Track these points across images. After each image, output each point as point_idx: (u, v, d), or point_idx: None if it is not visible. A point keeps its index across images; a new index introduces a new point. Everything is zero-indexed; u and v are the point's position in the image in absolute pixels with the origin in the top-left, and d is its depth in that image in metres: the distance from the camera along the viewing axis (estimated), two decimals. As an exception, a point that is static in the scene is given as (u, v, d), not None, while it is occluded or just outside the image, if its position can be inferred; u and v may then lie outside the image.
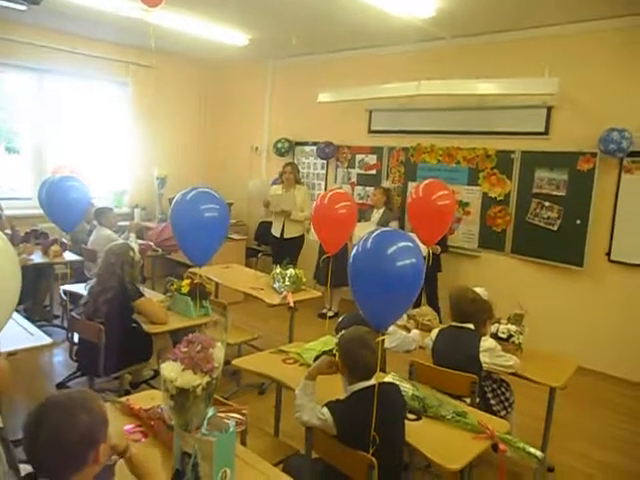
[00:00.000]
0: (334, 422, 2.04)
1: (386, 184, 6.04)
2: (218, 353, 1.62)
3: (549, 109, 4.97)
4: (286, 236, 5.91)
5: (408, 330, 3.26)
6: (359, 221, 5.23)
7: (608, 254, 4.72)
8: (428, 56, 5.67)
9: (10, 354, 1.90)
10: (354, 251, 2.05)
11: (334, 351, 2.68)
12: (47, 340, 2.91)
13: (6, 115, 6.64)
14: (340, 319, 3.12)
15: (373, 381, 2.08)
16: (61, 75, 6.64)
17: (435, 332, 3.03)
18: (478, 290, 3.14)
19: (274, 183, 6.68)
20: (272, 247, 6.22)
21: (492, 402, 2.98)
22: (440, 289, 5.18)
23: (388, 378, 2.52)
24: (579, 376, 3.11)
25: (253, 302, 4.36)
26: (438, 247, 4.98)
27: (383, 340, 2.05)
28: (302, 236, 6.00)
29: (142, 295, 3.36)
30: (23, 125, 6.58)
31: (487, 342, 2.87)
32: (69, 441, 1.31)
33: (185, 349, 1.58)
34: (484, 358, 2.81)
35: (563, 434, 3.50)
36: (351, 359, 2.10)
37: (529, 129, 5.11)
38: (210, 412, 1.67)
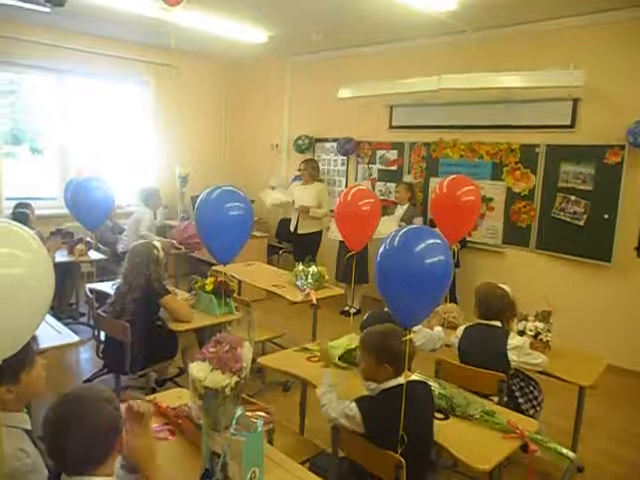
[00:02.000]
0: (362, 418, 2.01)
1: (408, 179, 5.97)
2: (246, 352, 1.62)
3: (575, 101, 4.86)
4: (300, 231, 5.93)
5: (431, 327, 3.22)
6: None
7: (638, 249, 4.60)
8: (450, 50, 5.59)
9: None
10: (382, 248, 2.02)
11: (358, 350, 2.66)
12: (74, 338, 2.95)
13: (29, 116, 6.74)
14: (365, 317, 3.09)
15: (402, 379, 2.05)
16: (82, 76, 6.70)
17: (461, 330, 2.99)
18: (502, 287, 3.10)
19: (295, 180, 6.69)
20: (292, 243, 6.25)
21: (520, 401, 2.93)
22: (462, 286, 5.11)
23: (413, 377, 2.49)
24: (607, 374, 3.04)
25: (275, 300, 4.37)
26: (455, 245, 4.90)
27: (411, 338, 2.02)
28: (319, 232, 6.00)
29: (168, 292, 3.38)
30: (46, 126, 6.67)
31: (515, 340, 2.82)
32: (99, 430, 1.35)
33: (213, 349, 1.58)
34: (512, 356, 2.77)
35: (591, 433, 3.44)
36: (383, 352, 2.05)
37: (554, 122, 5.00)
38: (238, 411, 1.67)
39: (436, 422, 2.18)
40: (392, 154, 6.32)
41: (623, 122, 4.46)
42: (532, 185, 5.18)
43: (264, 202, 6.12)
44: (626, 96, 4.57)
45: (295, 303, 3.97)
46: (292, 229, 6.03)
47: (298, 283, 4.15)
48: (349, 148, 6.61)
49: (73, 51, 6.28)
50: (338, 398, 2.18)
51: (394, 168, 6.31)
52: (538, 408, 2.95)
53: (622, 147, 4.55)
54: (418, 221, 5.45)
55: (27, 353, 1.73)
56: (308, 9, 4.95)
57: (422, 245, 1.89)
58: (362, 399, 2.08)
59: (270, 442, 2.08)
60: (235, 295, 3.85)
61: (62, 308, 5.11)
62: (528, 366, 2.84)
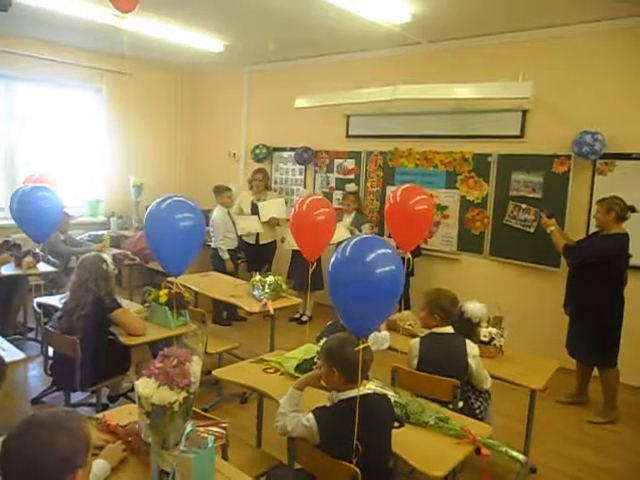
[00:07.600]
0: (318, 429, 2.00)
1: (352, 188, 6.04)
2: (195, 367, 1.58)
3: (524, 112, 5.03)
4: (262, 242, 5.97)
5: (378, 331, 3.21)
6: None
7: (584, 255, 4.76)
8: (405, 61, 5.70)
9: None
10: (333, 258, 2.02)
11: (315, 359, 2.65)
12: (20, 355, 2.82)
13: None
14: (322, 330, 3.08)
15: (362, 390, 2.04)
16: (32, 82, 6.51)
17: (417, 342, 2.93)
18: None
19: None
20: (247, 254, 6.20)
21: (472, 401, 2.96)
22: (417, 293, 5.14)
23: (370, 385, 2.49)
24: (558, 375, 3.13)
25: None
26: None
27: (365, 347, 2.01)
28: (275, 241, 6.11)
29: (120, 306, 3.28)
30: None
31: (470, 347, 2.85)
32: (46, 463, 1.26)
33: (160, 364, 1.54)
34: (471, 362, 2.80)
35: (543, 434, 3.53)
36: (339, 360, 2.04)
37: (505, 132, 5.16)
38: (188, 428, 1.63)
39: (392, 430, 2.18)
40: (349, 163, 6.38)
41: (569, 133, 4.64)
42: (485, 193, 5.31)
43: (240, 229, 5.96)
44: (572, 108, 4.76)
45: (252, 314, 3.93)
46: (252, 241, 5.99)
47: (255, 293, 4.10)
48: (307, 157, 6.63)
49: (23, 57, 6.09)
50: (296, 411, 2.16)
51: (352, 177, 6.36)
52: (485, 404, 2.97)
53: (568, 157, 4.73)
54: (366, 227, 5.58)
55: None
56: (264, 19, 4.96)
57: (372, 255, 1.90)
58: (320, 409, 2.06)
59: (225, 457, 2.04)
60: (191, 306, 3.78)
61: (9, 324, 4.89)
62: (481, 376, 2.88)
